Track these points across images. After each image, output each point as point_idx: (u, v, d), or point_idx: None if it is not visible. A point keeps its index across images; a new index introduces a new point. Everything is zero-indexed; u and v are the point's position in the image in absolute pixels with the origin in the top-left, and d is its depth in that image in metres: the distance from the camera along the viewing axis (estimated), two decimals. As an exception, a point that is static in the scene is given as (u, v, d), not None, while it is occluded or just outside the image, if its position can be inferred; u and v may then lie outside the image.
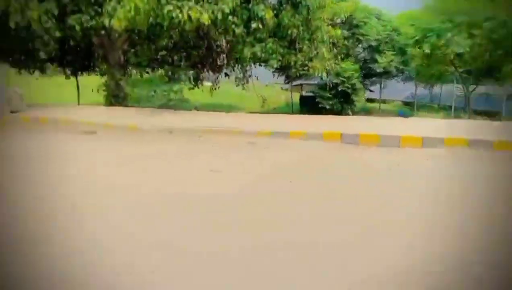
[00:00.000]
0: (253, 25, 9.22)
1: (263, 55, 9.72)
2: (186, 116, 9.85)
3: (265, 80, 16.32)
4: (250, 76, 13.54)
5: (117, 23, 8.87)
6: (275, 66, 9.97)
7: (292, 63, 10.23)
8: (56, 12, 9.32)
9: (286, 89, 19.55)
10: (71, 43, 11.47)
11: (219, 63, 13.23)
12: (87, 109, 10.74)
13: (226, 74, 14.07)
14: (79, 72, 13.74)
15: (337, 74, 13.42)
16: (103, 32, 11.21)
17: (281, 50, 10.00)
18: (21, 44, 11.25)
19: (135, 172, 5.95)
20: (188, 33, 11.67)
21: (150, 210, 3.68)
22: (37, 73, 14.07)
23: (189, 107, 11.35)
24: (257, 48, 9.59)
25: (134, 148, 7.48)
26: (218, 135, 7.99)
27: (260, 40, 9.72)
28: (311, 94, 15.99)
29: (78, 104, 14.34)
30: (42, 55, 12.62)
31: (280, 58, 9.98)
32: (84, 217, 3.64)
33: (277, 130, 7.88)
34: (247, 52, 9.59)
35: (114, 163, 6.67)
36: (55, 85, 15.93)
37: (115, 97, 11.91)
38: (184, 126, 8.56)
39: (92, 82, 15.32)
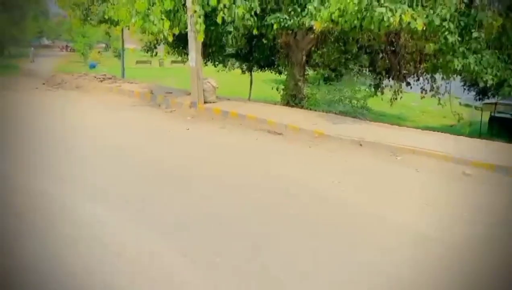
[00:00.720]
0: (474, 34, 7.85)
1: (476, 68, 8.26)
2: (372, 127, 9.03)
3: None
4: (438, 88, 11.99)
5: (318, 24, 8.54)
6: (489, 82, 8.38)
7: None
8: (258, 10, 9.49)
9: (466, 105, 17.14)
10: (264, 41, 11.70)
11: (404, 71, 12.07)
12: (268, 107, 10.82)
13: (408, 84, 12.76)
14: (260, 69, 14.09)
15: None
16: (290, 31, 11.14)
17: (499, 64, 8.36)
18: (216, 39, 11.96)
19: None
20: (378, 37, 10.81)
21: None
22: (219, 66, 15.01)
23: (369, 116, 10.53)
24: (471, 60, 8.18)
25: (326, 157, 7.05)
26: (420, 157, 7.01)
27: (474, 51, 8.28)
28: (507, 115, 13.56)
29: (249, 99, 14.83)
30: (229, 50, 13.25)
31: (496, 73, 8.36)
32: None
33: (499, 163, 6.49)
34: (457, 63, 8.26)
35: (309, 171, 6.31)
36: (230, 79, 16.90)
37: (293, 97, 11.79)
38: (375, 139, 7.79)
39: (260, 78, 15.72)
